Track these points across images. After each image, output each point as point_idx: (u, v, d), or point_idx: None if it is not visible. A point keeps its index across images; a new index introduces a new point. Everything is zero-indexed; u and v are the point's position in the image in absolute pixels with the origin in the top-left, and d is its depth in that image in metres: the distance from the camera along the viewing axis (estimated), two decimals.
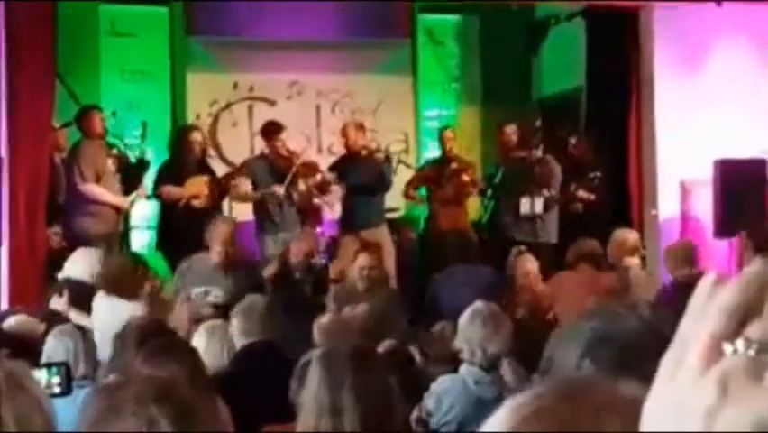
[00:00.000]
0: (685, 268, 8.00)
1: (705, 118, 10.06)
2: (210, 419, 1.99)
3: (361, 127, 10.69)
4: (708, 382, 0.74)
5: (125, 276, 7.30)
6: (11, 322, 6.16)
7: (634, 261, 8.88)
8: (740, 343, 0.74)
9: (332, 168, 10.65)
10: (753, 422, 0.72)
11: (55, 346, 4.88)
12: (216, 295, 7.81)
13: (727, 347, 0.74)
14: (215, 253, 8.26)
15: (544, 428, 0.88)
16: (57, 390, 3.76)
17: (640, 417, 0.78)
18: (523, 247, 9.18)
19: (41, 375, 3.72)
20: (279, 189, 10.02)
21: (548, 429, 0.87)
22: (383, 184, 10.38)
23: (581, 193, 10.51)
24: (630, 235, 9.10)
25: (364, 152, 10.44)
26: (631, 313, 1.77)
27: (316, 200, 10.92)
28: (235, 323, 5.76)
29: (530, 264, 8.74)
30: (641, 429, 0.78)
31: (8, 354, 4.16)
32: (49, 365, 3.93)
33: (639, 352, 1.52)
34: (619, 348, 1.68)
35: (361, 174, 10.26)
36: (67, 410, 3.47)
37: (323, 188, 10.52)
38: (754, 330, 0.75)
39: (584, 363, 1.69)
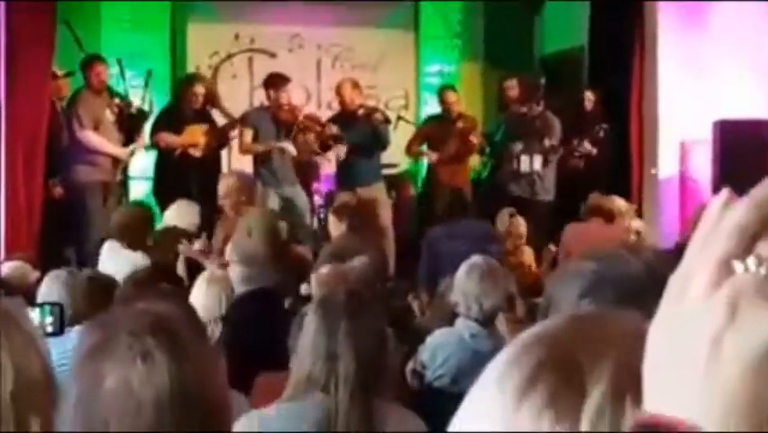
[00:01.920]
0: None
1: (707, 78, 10.02)
2: (204, 357, 1.98)
3: (356, 85, 10.59)
4: (718, 303, 0.72)
5: (136, 226, 7.47)
6: (4, 268, 6.19)
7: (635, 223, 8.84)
8: (751, 261, 0.72)
9: (329, 122, 10.60)
10: (758, 346, 0.70)
11: (49, 290, 4.89)
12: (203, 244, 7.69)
13: (738, 266, 0.72)
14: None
15: (544, 353, 0.86)
16: (50, 329, 3.78)
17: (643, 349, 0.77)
18: (513, 210, 9.18)
19: (33, 315, 3.74)
20: (289, 146, 9.97)
21: (549, 355, 0.86)
22: (380, 144, 10.33)
23: (585, 145, 10.46)
24: (618, 202, 9.02)
25: (361, 111, 10.37)
26: (634, 256, 1.75)
27: (315, 157, 10.89)
28: (236, 269, 5.77)
29: (523, 229, 8.79)
30: (646, 352, 0.77)
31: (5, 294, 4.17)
32: (42, 305, 3.94)
33: (640, 294, 1.50)
34: (620, 289, 1.66)
35: (358, 134, 10.21)
36: (58, 350, 3.48)
37: (325, 144, 10.47)
38: (765, 248, 0.73)
39: (583, 302, 1.67)
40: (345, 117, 10.39)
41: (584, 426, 0.81)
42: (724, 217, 0.74)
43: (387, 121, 10.49)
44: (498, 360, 0.88)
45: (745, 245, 0.72)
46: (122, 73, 10.24)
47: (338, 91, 10.50)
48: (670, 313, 0.75)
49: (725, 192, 0.76)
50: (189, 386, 1.88)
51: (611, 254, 1.79)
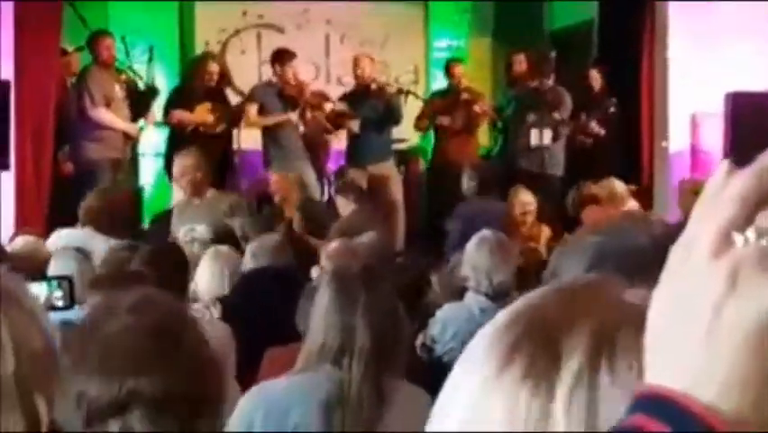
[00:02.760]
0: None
1: (718, 51, 9.96)
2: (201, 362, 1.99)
3: (372, 60, 10.60)
4: (717, 274, 0.72)
5: (117, 214, 7.22)
6: (17, 243, 6.18)
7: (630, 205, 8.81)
8: (751, 232, 0.72)
9: (341, 99, 10.57)
10: (758, 314, 0.70)
11: (59, 266, 4.89)
12: (201, 231, 7.60)
13: (738, 237, 0.73)
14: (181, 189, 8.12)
15: (524, 325, 0.88)
16: (59, 303, 3.75)
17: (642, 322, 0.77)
18: (519, 185, 9.14)
19: (41, 289, 3.71)
20: (293, 116, 9.96)
21: (529, 327, 0.88)
22: (393, 118, 10.32)
23: (593, 126, 10.44)
24: (617, 184, 8.97)
25: (374, 86, 10.36)
26: (639, 228, 1.73)
27: (326, 134, 10.88)
28: (249, 249, 5.78)
29: (525, 197, 8.72)
30: (647, 322, 0.77)
31: (10, 269, 4.16)
32: (50, 279, 3.92)
33: (646, 266, 1.48)
34: (625, 262, 1.65)
35: (372, 108, 10.20)
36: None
37: (335, 121, 10.44)
38: (765, 219, 0.73)
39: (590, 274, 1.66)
40: (359, 93, 10.36)
41: (560, 396, 0.82)
42: (726, 186, 0.74)
43: (400, 92, 10.47)
44: (484, 331, 0.91)
45: (746, 215, 0.73)
46: (126, 50, 10.19)
47: (356, 65, 10.46)
48: (671, 280, 0.76)
49: (726, 162, 0.77)
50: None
51: (616, 227, 1.78)
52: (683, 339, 0.73)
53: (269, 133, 10.03)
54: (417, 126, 11.20)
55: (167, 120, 10.12)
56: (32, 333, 1.77)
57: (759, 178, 0.74)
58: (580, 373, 0.83)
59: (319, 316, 3.30)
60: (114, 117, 9.51)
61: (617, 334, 0.83)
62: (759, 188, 0.74)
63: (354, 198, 8.19)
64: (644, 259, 1.62)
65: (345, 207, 8.28)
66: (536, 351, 0.85)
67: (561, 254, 1.83)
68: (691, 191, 8.53)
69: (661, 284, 0.77)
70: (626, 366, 0.82)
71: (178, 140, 9.90)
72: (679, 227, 0.77)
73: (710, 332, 0.71)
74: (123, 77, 9.95)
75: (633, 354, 0.80)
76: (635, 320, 0.79)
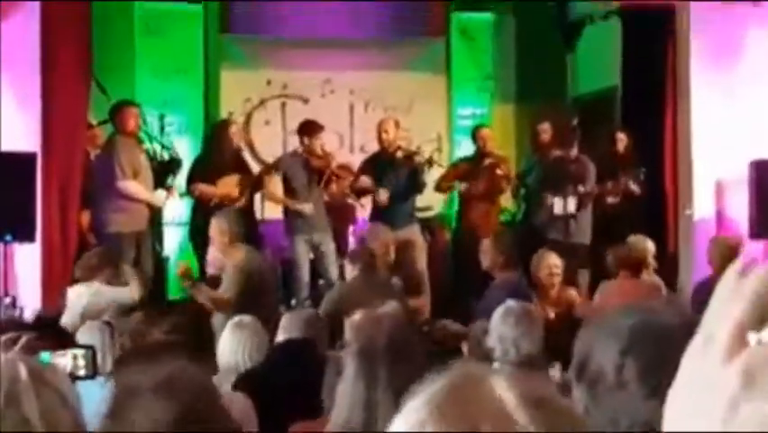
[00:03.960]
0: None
1: (742, 117, 9.96)
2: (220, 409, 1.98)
3: (398, 123, 10.62)
4: (733, 372, 0.75)
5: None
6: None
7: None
8: (765, 333, 0.73)
9: (365, 166, 10.57)
10: None
11: (86, 339, 4.91)
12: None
13: (752, 337, 0.73)
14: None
15: (423, 416, 0.99)
16: (82, 372, 3.77)
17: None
18: (545, 248, 9.10)
19: (66, 359, 3.72)
20: (306, 207, 9.94)
21: (429, 419, 0.98)
22: (417, 188, 10.33)
23: (630, 185, 10.37)
24: (648, 244, 8.98)
25: (400, 154, 10.37)
26: (669, 308, 1.73)
27: (350, 200, 10.90)
28: (282, 321, 5.77)
29: (552, 259, 8.65)
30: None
31: (36, 339, 4.17)
32: (74, 349, 3.93)
33: (681, 347, 1.48)
34: (661, 343, 1.64)
35: (396, 176, 10.21)
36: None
37: (359, 191, 10.47)
38: None
39: (626, 361, 1.66)
40: (384, 158, 10.35)
41: None
42: (740, 284, 0.76)
43: (429, 163, 10.48)
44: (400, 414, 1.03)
45: (760, 314, 0.74)
46: (143, 119, 10.18)
47: (381, 129, 10.45)
48: (689, 378, 0.79)
49: (738, 265, 0.78)
50: None
51: (645, 307, 1.78)
52: (700, 428, 0.75)
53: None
54: (439, 187, 11.15)
55: (190, 192, 10.11)
56: (62, 414, 1.78)
57: None
58: None
59: (343, 391, 3.29)
60: (141, 189, 9.47)
61: None
62: None
63: (360, 267, 8.16)
64: (675, 342, 1.62)
65: (350, 274, 8.28)
66: None
67: (593, 339, 1.82)
68: (724, 246, 8.56)
69: (681, 371, 0.78)
70: None
71: (202, 210, 9.90)
72: (709, 285, 0.78)
73: (726, 425, 0.73)
74: (144, 146, 9.97)
75: None
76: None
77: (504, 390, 0.95)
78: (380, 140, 10.45)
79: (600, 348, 1.74)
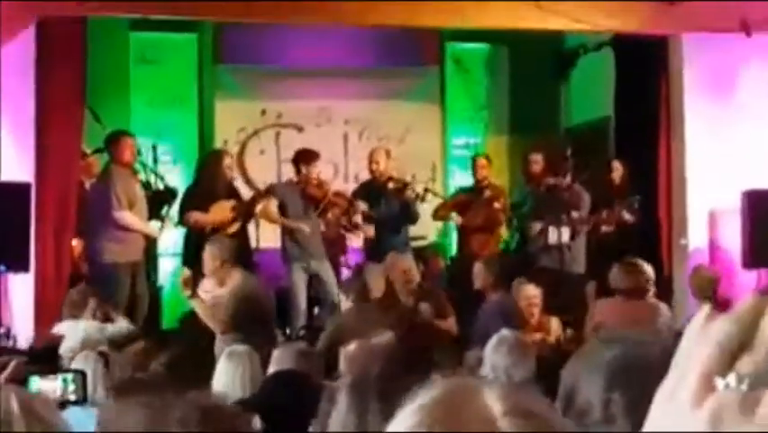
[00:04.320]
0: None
1: (735, 148, 10.00)
2: None
3: (389, 153, 10.66)
4: (701, 418, 0.75)
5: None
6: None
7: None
8: (732, 377, 0.74)
9: (356, 195, 10.59)
10: None
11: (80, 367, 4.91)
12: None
13: (720, 382, 0.74)
14: None
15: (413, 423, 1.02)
16: (72, 397, 3.78)
17: None
18: (522, 278, 9.13)
19: (56, 383, 3.73)
20: (304, 227, 9.95)
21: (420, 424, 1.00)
22: (410, 220, 10.36)
23: (624, 214, 10.36)
24: (647, 267, 8.92)
25: (392, 185, 10.38)
26: (653, 340, 1.74)
27: (343, 230, 10.91)
28: (274, 353, 5.76)
29: (530, 290, 8.71)
30: None
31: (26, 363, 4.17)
32: (64, 373, 3.95)
33: (660, 380, 1.50)
34: (644, 377, 1.65)
35: (388, 206, 10.23)
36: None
37: (353, 223, 10.48)
38: (745, 364, 0.75)
39: (612, 396, 1.66)
40: (375, 188, 10.39)
41: None
42: (707, 329, 0.77)
43: (418, 198, 10.50)
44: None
45: (727, 360, 0.74)
46: (138, 149, 10.15)
47: (371, 159, 10.50)
48: (661, 416, 0.80)
49: (707, 307, 0.79)
50: None
51: (630, 339, 1.78)
52: None
53: (289, 231, 10.05)
54: (436, 215, 11.24)
55: (183, 221, 10.11)
56: None
57: (738, 323, 0.76)
58: None
59: (335, 421, 3.29)
60: (136, 219, 9.43)
61: None
62: (739, 334, 0.75)
63: (354, 298, 8.19)
64: (658, 376, 1.62)
65: (344, 304, 8.30)
66: None
67: (578, 369, 1.83)
68: (703, 277, 8.59)
69: (651, 412, 0.79)
70: None
71: (195, 239, 9.88)
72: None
73: None
74: (140, 176, 9.96)
75: None
76: None
77: (494, 400, 0.96)
78: (371, 170, 10.50)
79: (586, 382, 1.75)
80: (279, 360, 5.70)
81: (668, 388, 0.78)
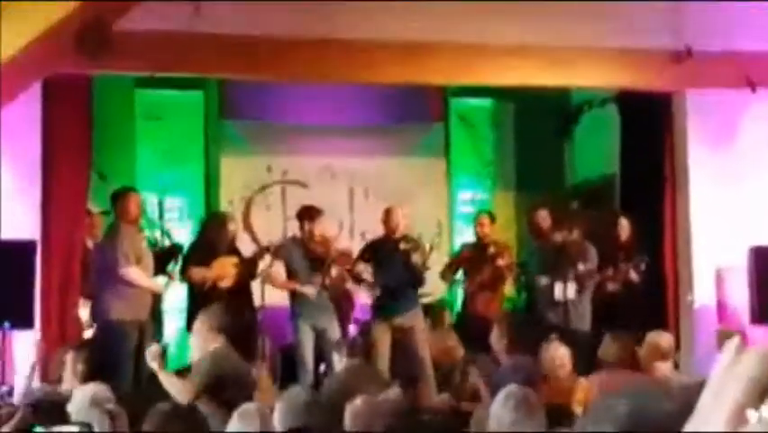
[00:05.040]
0: None
1: (741, 203, 10.00)
2: None
3: (406, 216, 10.48)
4: None
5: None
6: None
7: (666, 366, 8.43)
8: (765, 410, 0.73)
9: (367, 251, 10.47)
10: None
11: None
12: None
13: (752, 415, 0.73)
14: None
15: None
16: None
17: None
18: (553, 336, 9.06)
19: None
20: (309, 289, 9.91)
21: None
22: (418, 282, 10.22)
23: (631, 274, 10.32)
24: (663, 339, 8.74)
25: (403, 246, 10.22)
26: (663, 393, 1.72)
27: (349, 285, 10.86)
28: (277, 408, 5.69)
29: (558, 351, 8.58)
30: None
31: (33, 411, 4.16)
32: (70, 424, 3.94)
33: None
34: (654, 428, 1.63)
35: (398, 268, 10.09)
36: None
37: (358, 279, 10.42)
38: None
39: None
40: (387, 245, 10.22)
41: None
42: (736, 365, 0.76)
43: (425, 266, 10.32)
44: None
45: (758, 393, 0.74)
46: (143, 206, 10.13)
47: (387, 217, 10.32)
48: None
49: (737, 339, 0.78)
50: None
51: (640, 391, 1.76)
52: None
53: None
54: (443, 277, 11.23)
55: (185, 277, 10.09)
56: None
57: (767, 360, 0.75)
58: None
59: None
60: (143, 275, 9.33)
61: None
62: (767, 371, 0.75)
63: (350, 356, 8.18)
64: (673, 424, 1.60)
65: (349, 362, 8.29)
66: None
67: (587, 420, 1.81)
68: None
69: None
70: None
71: (198, 296, 9.86)
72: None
73: None
74: (145, 233, 9.95)
75: None
76: None
77: None
78: (387, 227, 10.30)
79: (594, 429, 1.73)
80: (285, 411, 5.64)
81: (698, 422, 0.77)
